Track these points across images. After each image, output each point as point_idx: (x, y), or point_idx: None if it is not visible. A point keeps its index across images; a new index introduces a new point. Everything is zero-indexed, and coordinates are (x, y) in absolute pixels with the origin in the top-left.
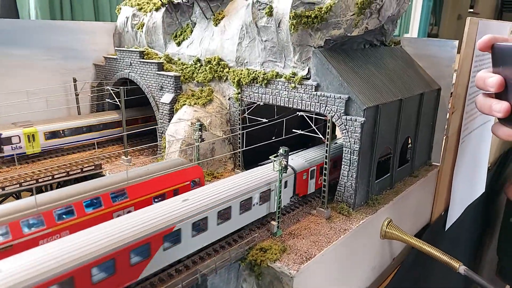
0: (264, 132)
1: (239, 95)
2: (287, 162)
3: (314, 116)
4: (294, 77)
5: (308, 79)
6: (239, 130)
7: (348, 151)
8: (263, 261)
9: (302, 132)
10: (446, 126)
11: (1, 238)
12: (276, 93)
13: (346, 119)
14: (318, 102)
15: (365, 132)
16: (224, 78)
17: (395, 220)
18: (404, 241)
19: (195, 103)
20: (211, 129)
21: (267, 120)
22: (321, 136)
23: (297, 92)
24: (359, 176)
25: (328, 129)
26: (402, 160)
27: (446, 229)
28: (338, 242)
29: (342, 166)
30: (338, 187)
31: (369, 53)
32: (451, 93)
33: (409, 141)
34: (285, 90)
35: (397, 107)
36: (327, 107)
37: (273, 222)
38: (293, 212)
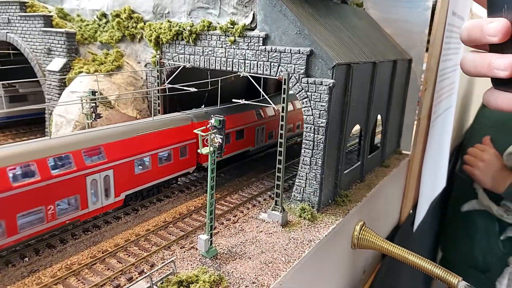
0: (192, 102)
1: (158, 57)
2: (223, 139)
3: (263, 76)
4: (233, 28)
5: (253, 29)
6: (158, 104)
7: (310, 128)
8: None
9: (245, 102)
10: (417, 106)
11: None
12: (210, 52)
13: (307, 83)
14: (267, 60)
15: (334, 101)
16: (138, 36)
17: (367, 223)
18: (386, 252)
19: (96, 71)
20: (119, 107)
21: (195, 89)
22: (273, 106)
23: (239, 49)
24: (325, 164)
25: (284, 94)
26: (371, 147)
27: (414, 230)
28: (303, 261)
29: (302, 151)
30: (297, 180)
31: (331, 7)
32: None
33: (376, 124)
34: (222, 47)
35: (370, 73)
36: (280, 67)
37: (202, 236)
38: (233, 218)
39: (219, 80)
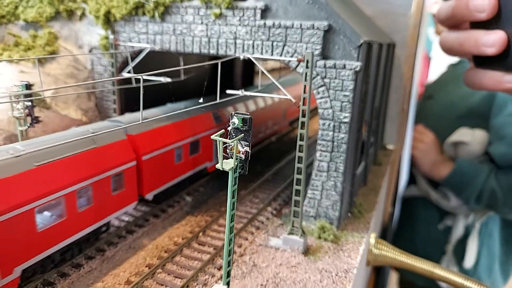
0: (162, 98)
1: (112, 39)
2: (249, 146)
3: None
4: None
5: None
6: (113, 102)
7: (329, 125)
8: None
9: (245, 93)
10: (403, 95)
11: None
12: (184, 30)
13: (324, 67)
14: (268, 40)
15: (357, 89)
16: (79, 12)
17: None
18: (407, 268)
19: (21, 58)
20: (57, 107)
21: (170, 80)
22: (290, 97)
23: (226, 25)
24: (347, 169)
25: (306, 80)
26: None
27: (393, 226)
28: None
29: (318, 154)
30: (309, 191)
31: None
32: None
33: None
34: (202, 23)
35: (377, 56)
36: (286, 47)
37: (217, 287)
38: (238, 250)
39: (219, 64)
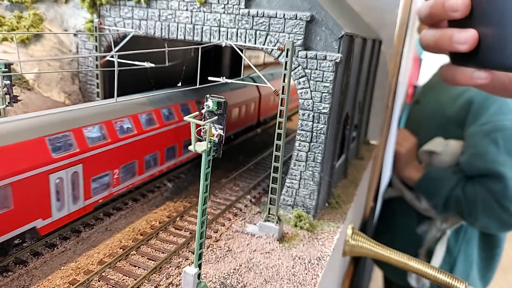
0: (144, 84)
1: (96, 23)
2: (223, 129)
3: (246, 47)
4: None
5: None
6: (96, 85)
7: (308, 115)
8: None
9: (227, 80)
10: (388, 92)
11: None
12: (169, 17)
13: (306, 57)
14: (251, 28)
15: (338, 81)
16: None
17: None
18: (382, 259)
19: (4, 39)
20: (40, 89)
21: (153, 65)
22: (271, 86)
23: (211, 12)
24: (325, 160)
25: (286, 69)
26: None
27: (374, 221)
28: None
29: (297, 144)
30: (287, 180)
31: None
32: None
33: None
34: (187, 10)
35: (360, 50)
36: (269, 36)
37: (188, 269)
38: (214, 235)
39: (199, 49)
